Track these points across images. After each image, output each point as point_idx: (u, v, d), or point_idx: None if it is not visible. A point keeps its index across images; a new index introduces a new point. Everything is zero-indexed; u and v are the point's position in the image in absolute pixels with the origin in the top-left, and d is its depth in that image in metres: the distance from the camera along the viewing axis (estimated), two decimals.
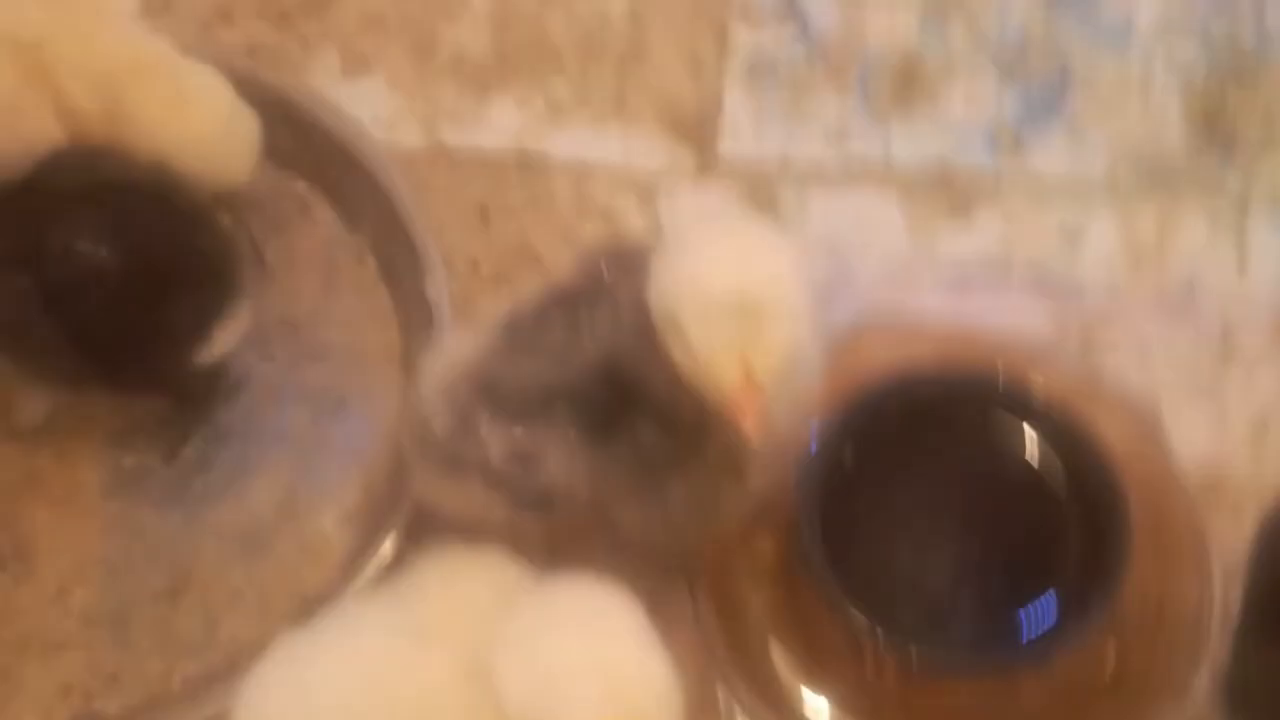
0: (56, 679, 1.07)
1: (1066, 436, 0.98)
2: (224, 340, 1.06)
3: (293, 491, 1.13)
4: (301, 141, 1.19)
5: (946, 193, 1.20)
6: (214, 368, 1.08)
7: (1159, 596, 0.97)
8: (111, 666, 1.08)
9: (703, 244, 0.88)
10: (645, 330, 0.89)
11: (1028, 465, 0.98)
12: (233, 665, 1.03)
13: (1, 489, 1.12)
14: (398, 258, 1.17)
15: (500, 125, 1.23)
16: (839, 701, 0.98)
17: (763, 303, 0.84)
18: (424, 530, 1.05)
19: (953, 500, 1.00)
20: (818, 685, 0.99)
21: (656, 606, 0.86)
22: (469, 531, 0.93)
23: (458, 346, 0.96)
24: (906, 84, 1.24)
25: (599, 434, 0.91)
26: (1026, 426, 0.99)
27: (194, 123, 1.06)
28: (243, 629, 1.09)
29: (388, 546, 1.06)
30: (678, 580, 1.02)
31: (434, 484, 0.97)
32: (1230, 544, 0.99)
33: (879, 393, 0.99)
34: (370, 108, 1.23)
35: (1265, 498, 0.95)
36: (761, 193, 1.21)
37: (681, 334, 0.85)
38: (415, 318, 1.16)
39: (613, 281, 0.93)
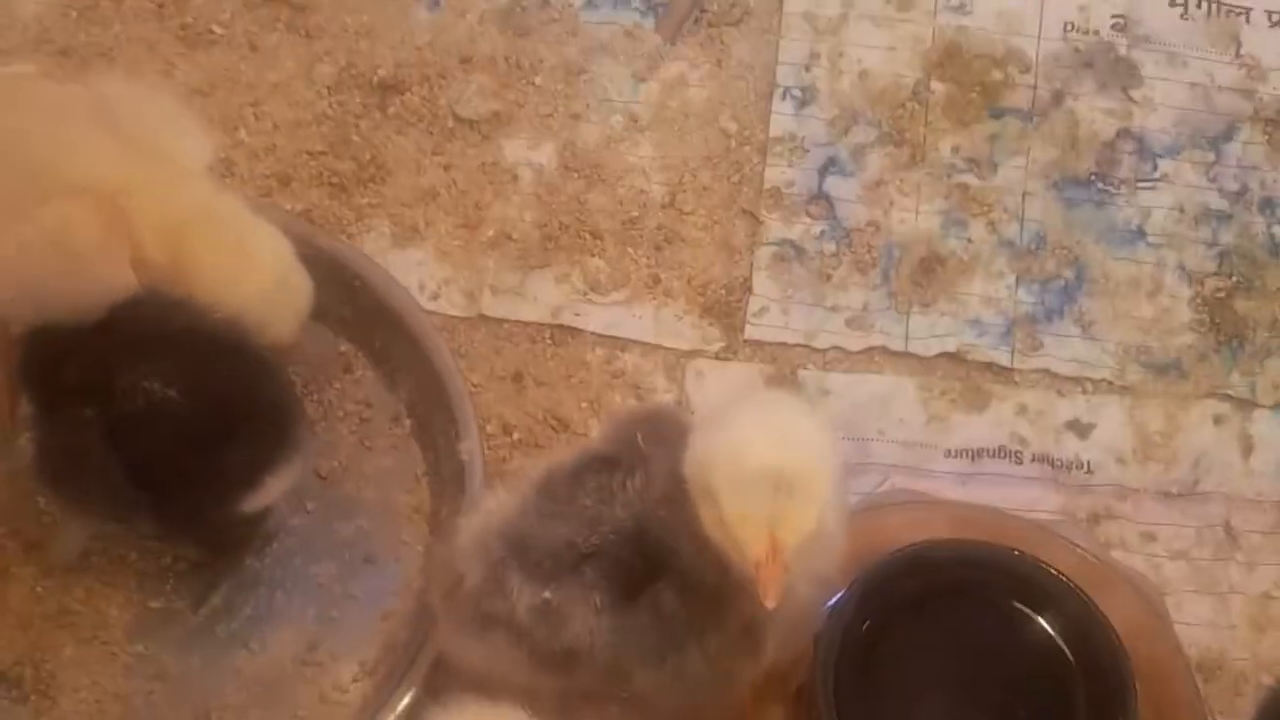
0: None
1: (1075, 615, 0.98)
2: (272, 490, 1.07)
3: (315, 642, 1.13)
4: (349, 302, 1.22)
5: (962, 382, 1.23)
6: (254, 516, 1.10)
7: None
8: None
9: (741, 417, 0.90)
10: (675, 499, 0.90)
11: (1038, 642, 0.99)
12: None
13: (32, 622, 1.13)
14: (433, 419, 1.20)
15: (539, 298, 1.27)
16: None
17: (795, 480, 0.86)
18: (442, 684, 1.05)
19: (964, 675, 0.99)
20: None
21: None
22: (487, 687, 0.93)
23: (493, 503, 0.97)
24: (928, 277, 1.28)
25: (624, 598, 0.92)
26: (1037, 604, 1.00)
27: (251, 276, 1.08)
28: None
29: (405, 702, 1.07)
30: None
31: (458, 638, 0.98)
32: None
33: (895, 567, 1.00)
34: (417, 276, 1.27)
35: (1264, 679, 0.96)
36: (785, 373, 1.24)
37: (713, 503, 0.86)
38: (447, 478, 1.18)
39: (648, 450, 0.95)
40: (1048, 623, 0.99)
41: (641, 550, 0.93)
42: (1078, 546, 1.08)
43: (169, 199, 1.07)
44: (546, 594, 0.93)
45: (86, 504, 1.08)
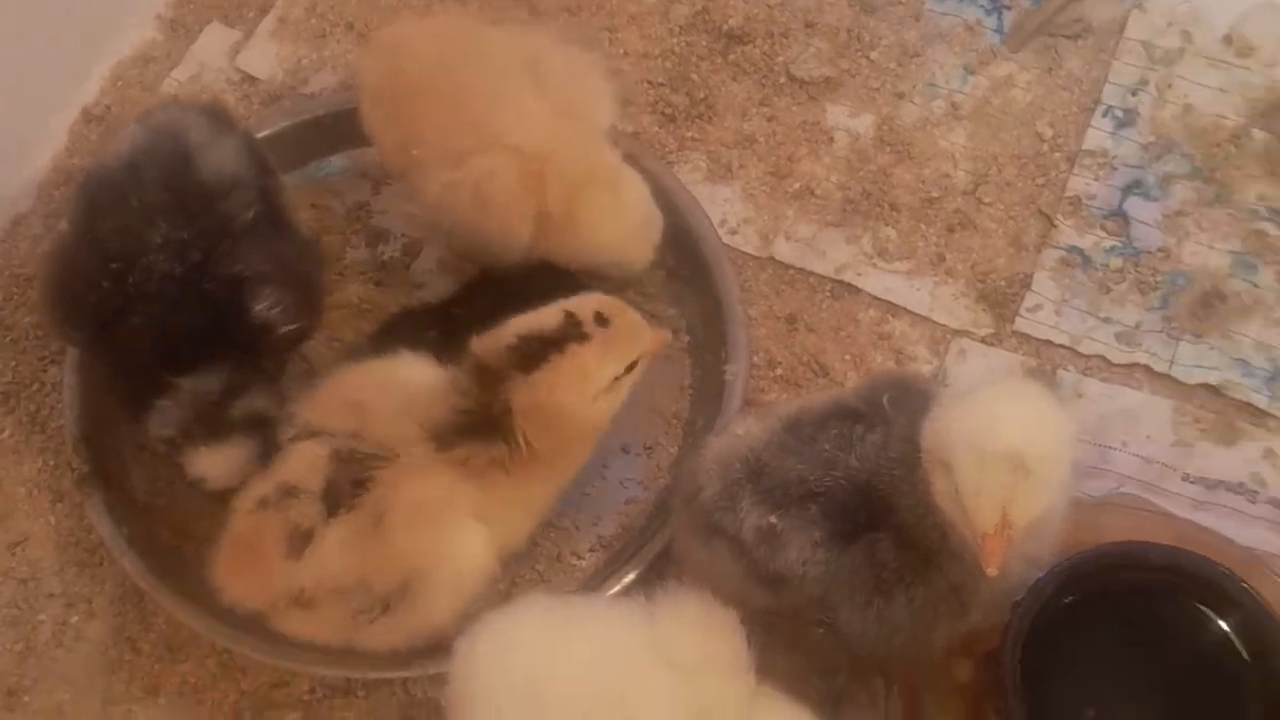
0: None
1: (1263, 632, 0.91)
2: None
3: (563, 510, 1.13)
4: None
5: (1217, 415, 1.13)
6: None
7: None
8: None
9: (989, 398, 0.86)
10: (908, 462, 0.87)
11: (1221, 648, 0.92)
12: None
13: None
14: (708, 340, 1.18)
15: (828, 253, 1.23)
16: None
17: (1035, 464, 0.81)
18: (667, 570, 1.04)
19: (1146, 668, 0.94)
20: None
21: (846, 704, 0.81)
22: (706, 587, 0.90)
23: (742, 429, 0.95)
24: (1206, 310, 1.17)
25: (842, 540, 0.90)
26: (1229, 617, 0.93)
27: (623, 220, 1.09)
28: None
29: (630, 577, 1.06)
30: (873, 683, 0.98)
31: (688, 540, 0.97)
32: None
33: (1109, 557, 0.94)
34: (721, 211, 1.24)
35: None
36: (1045, 369, 1.16)
37: (949, 474, 0.83)
38: (708, 395, 1.16)
39: (892, 414, 0.91)
40: (1233, 632, 0.93)
41: (866, 500, 0.90)
42: None
43: (578, 159, 1.07)
44: (772, 519, 0.91)
45: None
